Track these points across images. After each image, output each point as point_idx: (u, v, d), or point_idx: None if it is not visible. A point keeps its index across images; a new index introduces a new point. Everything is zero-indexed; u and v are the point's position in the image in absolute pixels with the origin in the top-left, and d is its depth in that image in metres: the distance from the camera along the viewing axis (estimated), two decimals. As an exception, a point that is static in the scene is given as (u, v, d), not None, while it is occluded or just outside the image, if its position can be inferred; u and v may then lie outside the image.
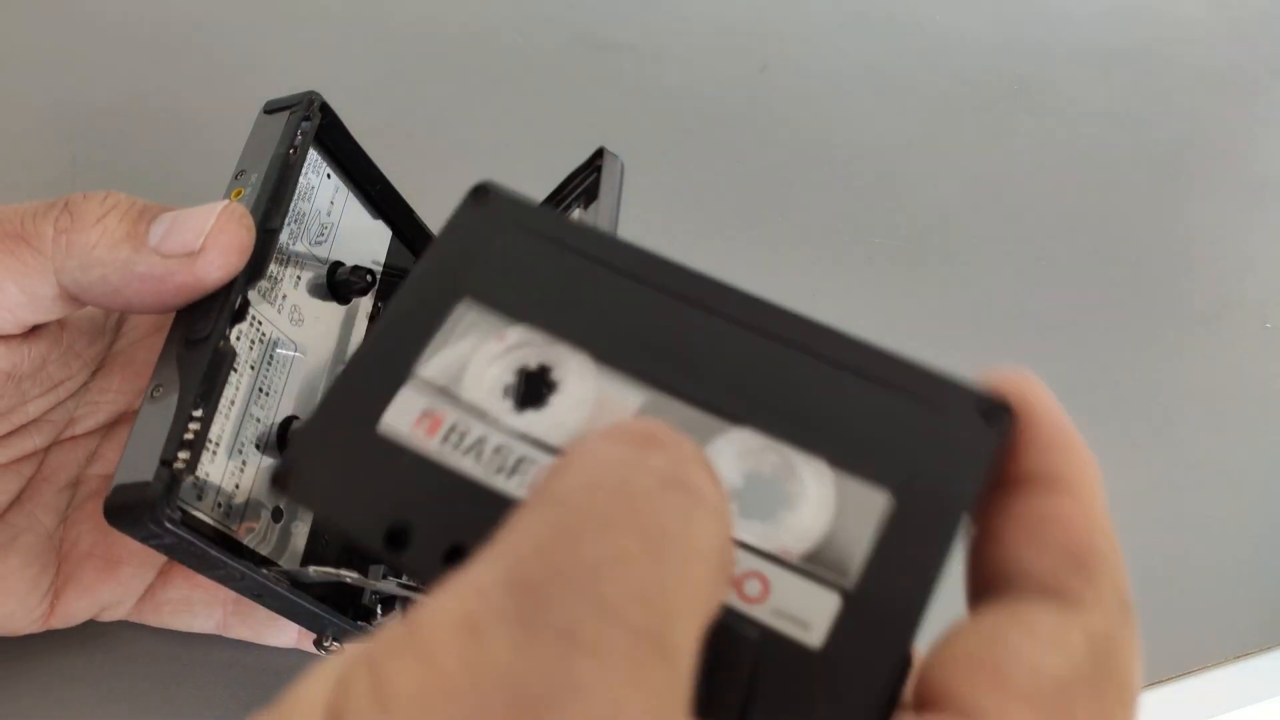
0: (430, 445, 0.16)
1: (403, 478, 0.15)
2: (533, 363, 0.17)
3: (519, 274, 0.18)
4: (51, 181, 0.40)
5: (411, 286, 0.18)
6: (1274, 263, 0.52)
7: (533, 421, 0.17)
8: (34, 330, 0.24)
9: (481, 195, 0.19)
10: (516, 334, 0.17)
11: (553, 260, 0.18)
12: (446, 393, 0.17)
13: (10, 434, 0.25)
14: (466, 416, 0.16)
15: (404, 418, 0.16)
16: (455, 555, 0.15)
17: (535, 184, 0.46)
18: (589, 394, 0.17)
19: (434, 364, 0.17)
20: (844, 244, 0.47)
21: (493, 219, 0.18)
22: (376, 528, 0.15)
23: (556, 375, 0.17)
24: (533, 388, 0.17)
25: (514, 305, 0.17)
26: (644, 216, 0.46)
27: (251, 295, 0.23)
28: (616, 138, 0.49)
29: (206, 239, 0.22)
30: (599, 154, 0.26)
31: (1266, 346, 0.48)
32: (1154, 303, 0.48)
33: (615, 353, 0.17)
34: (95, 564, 0.25)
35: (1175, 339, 0.47)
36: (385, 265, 0.30)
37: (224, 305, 0.22)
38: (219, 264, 0.22)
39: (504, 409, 0.17)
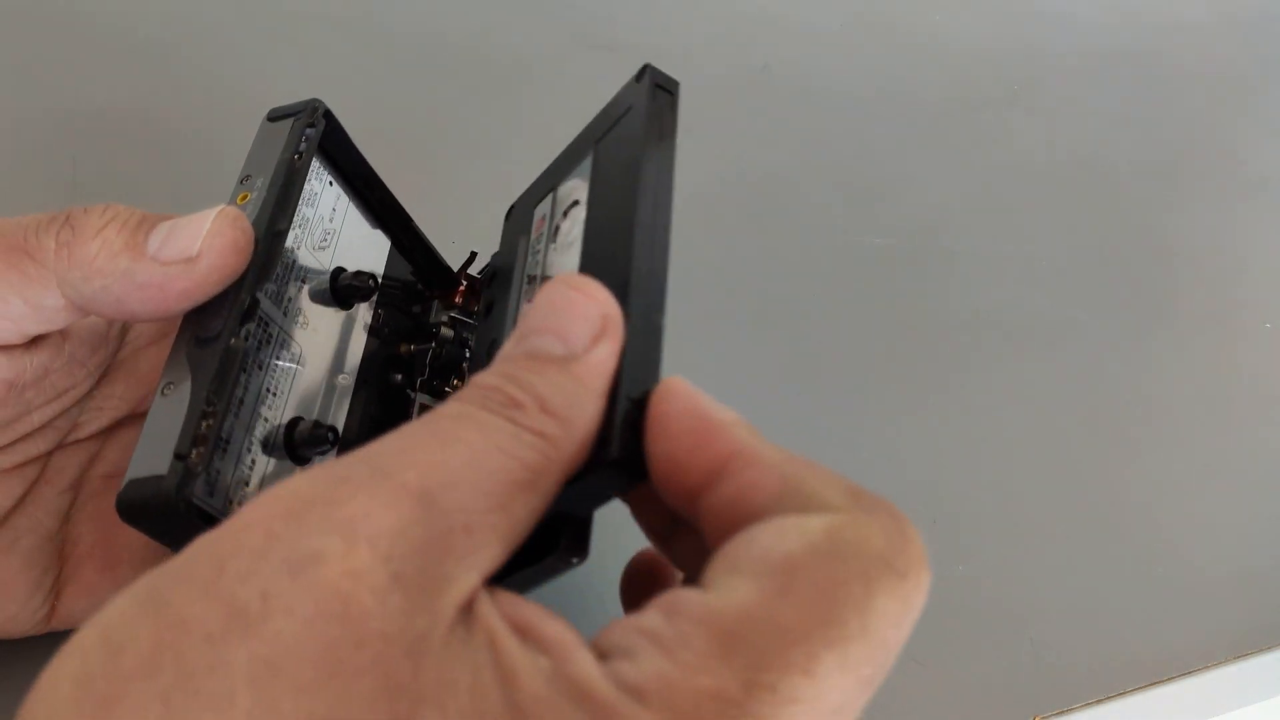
0: None
1: None
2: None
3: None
4: (52, 186, 0.40)
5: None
6: (1273, 263, 0.52)
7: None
8: (36, 340, 0.24)
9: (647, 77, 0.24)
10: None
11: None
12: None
13: (15, 441, 0.25)
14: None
15: None
16: None
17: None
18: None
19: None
20: (844, 244, 0.47)
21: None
22: None
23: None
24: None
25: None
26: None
27: (260, 296, 0.23)
28: (616, 138, 0.49)
29: (203, 244, 0.22)
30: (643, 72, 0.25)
31: (1266, 347, 0.48)
32: (1153, 303, 0.48)
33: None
34: (95, 564, 0.26)
35: (1175, 339, 0.47)
36: (384, 275, 0.30)
37: (234, 304, 0.22)
38: (218, 266, 0.22)
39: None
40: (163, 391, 0.21)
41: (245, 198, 0.24)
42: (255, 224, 0.23)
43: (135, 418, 0.27)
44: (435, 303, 0.32)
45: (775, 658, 0.14)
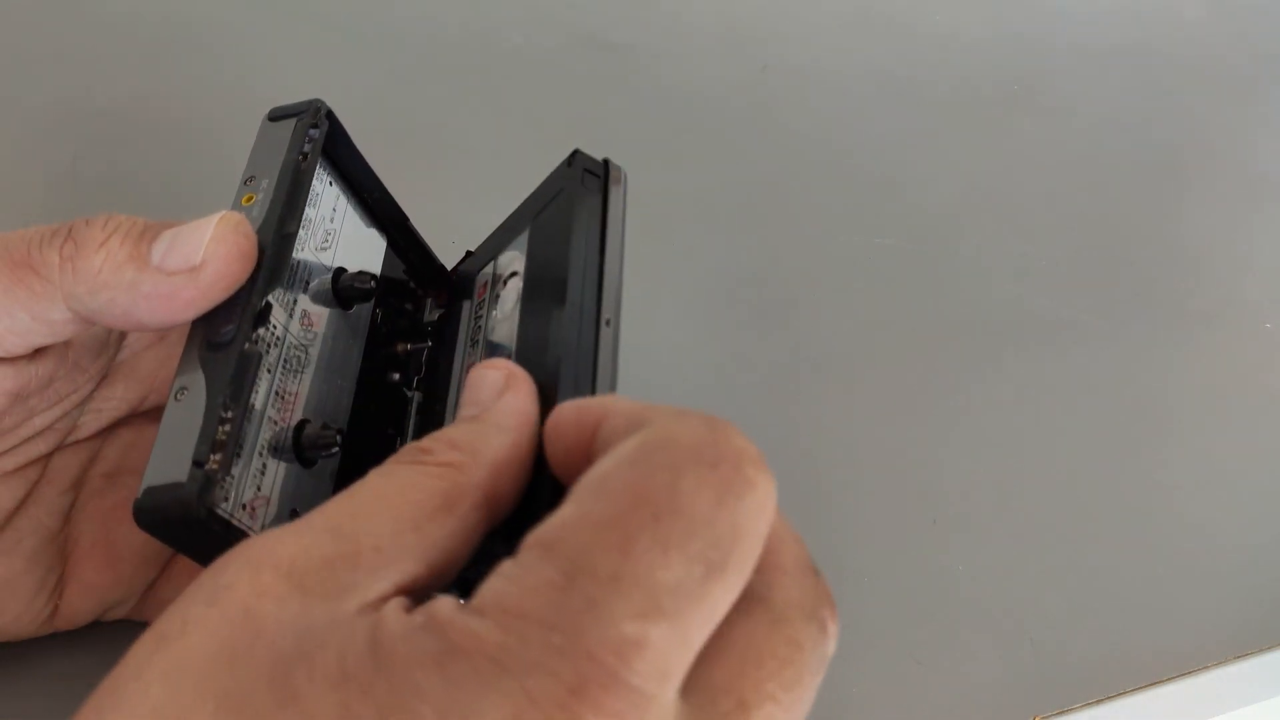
0: None
1: None
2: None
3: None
4: (53, 182, 0.40)
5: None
6: (1273, 263, 0.52)
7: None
8: (40, 350, 0.24)
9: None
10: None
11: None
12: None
13: (17, 445, 0.25)
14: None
15: None
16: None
17: (535, 183, 0.46)
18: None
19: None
20: (844, 244, 0.47)
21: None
22: None
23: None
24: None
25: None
26: (644, 216, 0.46)
27: (270, 299, 0.23)
28: (617, 138, 0.49)
29: (206, 251, 0.22)
30: (605, 164, 0.27)
31: (1266, 347, 0.48)
32: (1153, 303, 0.48)
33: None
34: (96, 562, 0.26)
35: (1174, 339, 0.47)
36: (381, 275, 0.30)
37: (247, 308, 0.22)
38: (222, 273, 0.22)
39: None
40: (176, 397, 0.21)
41: (251, 199, 0.24)
42: (263, 226, 0.23)
43: (135, 417, 0.27)
44: (429, 301, 0.32)
45: (591, 546, 0.15)
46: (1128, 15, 0.65)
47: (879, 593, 0.36)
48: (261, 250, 0.23)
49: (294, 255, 0.25)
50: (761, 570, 0.17)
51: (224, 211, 0.23)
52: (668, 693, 0.15)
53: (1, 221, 0.38)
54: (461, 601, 0.16)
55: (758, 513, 0.17)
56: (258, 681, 0.15)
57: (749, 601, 0.17)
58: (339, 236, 0.28)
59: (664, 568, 0.15)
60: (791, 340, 0.42)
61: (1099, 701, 0.34)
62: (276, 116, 0.26)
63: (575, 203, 0.25)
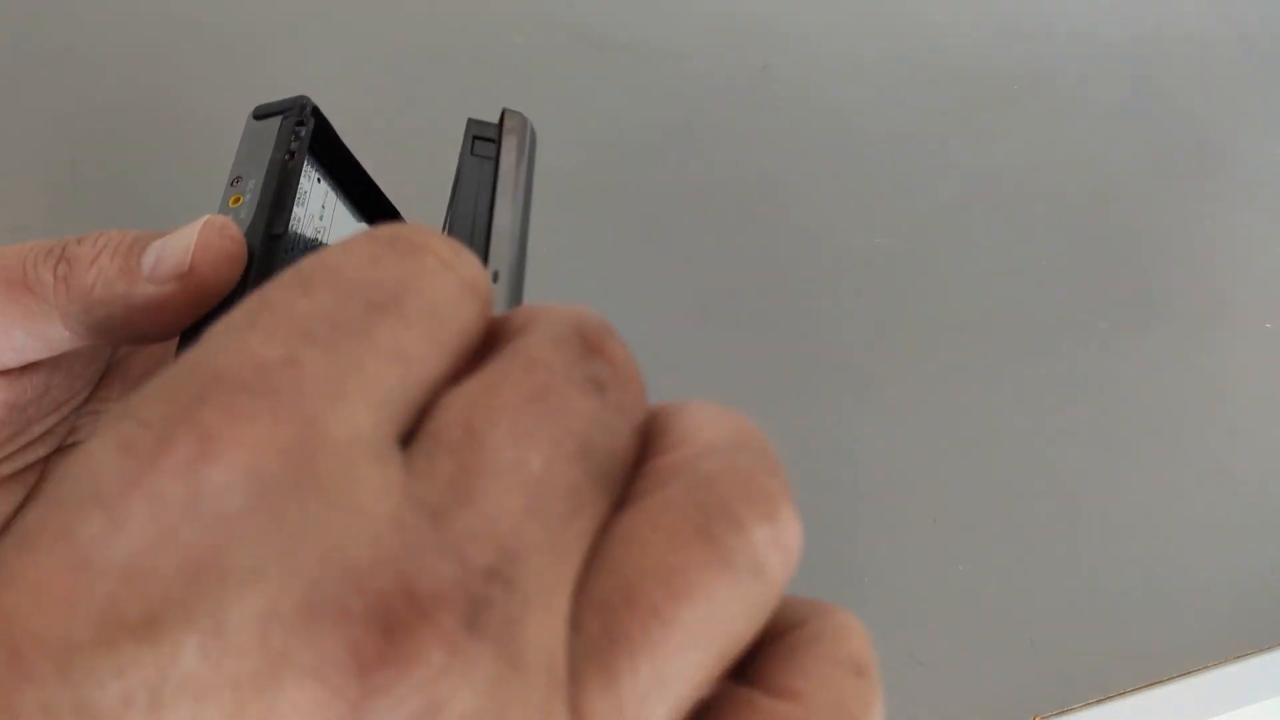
0: None
1: None
2: None
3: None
4: (52, 183, 0.40)
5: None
6: (1273, 263, 0.52)
7: None
8: (34, 363, 0.24)
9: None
10: None
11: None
12: None
13: (15, 451, 0.25)
14: None
15: None
16: None
17: (536, 183, 0.46)
18: None
19: None
20: (844, 244, 0.47)
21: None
22: None
23: None
24: None
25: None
26: (645, 216, 0.46)
27: None
28: (617, 138, 0.49)
29: (193, 257, 0.22)
30: (502, 117, 0.27)
31: (1266, 347, 0.48)
32: (1153, 303, 0.48)
33: None
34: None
35: (1175, 339, 0.47)
36: None
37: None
38: (210, 278, 0.22)
39: None
40: None
41: (238, 200, 0.24)
42: (251, 228, 0.23)
43: None
44: None
45: (228, 317, 0.14)
46: (1128, 16, 0.65)
47: (879, 593, 0.36)
48: (250, 252, 0.23)
49: (285, 254, 0.25)
50: (489, 346, 0.15)
51: (207, 216, 0.23)
52: (334, 421, 0.12)
53: (1, 222, 0.38)
54: None
55: (438, 273, 0.14)
56: None
57: (463, 368, 0.14)
58: (329, 233, 0.28)
59: (307, 301, 0.13)
60: (791, 340, 0.42)
61: (1099, 701, 0.34)
62: (261, 114, 0.26)
63: (461, 173, 0.25)
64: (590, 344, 0.14)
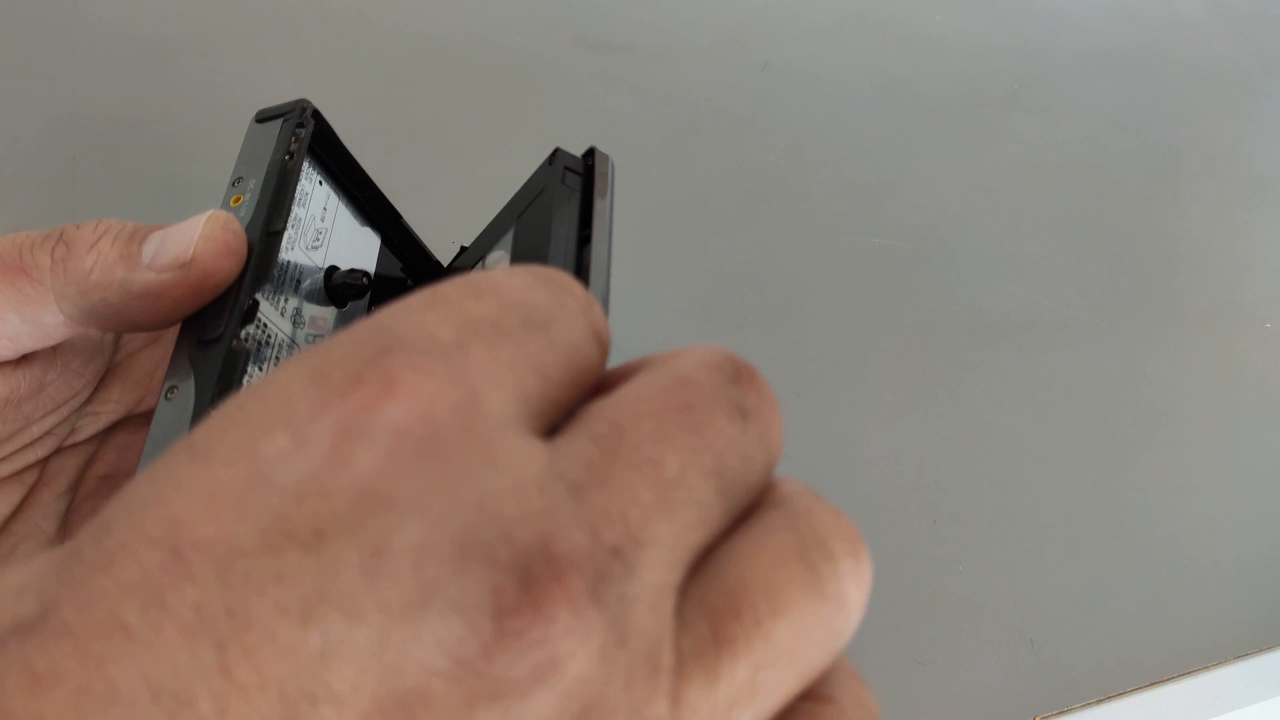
0: None
1: None
2: None
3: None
4: (53, 185, 0.40)
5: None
6: (1272, 263, 0.52)
7: None
8: (28, 356, 0.24)
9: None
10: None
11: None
12: None
13: (15, 451, 0.25)
14: None
15: None
16: None
17: (535, 184, 0.46)
18: None
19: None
20: (844, 244, 0.47)
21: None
22: None
23: None
24: None
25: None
26: (644, 216, 0.46)
27: (259, 297, 0.23)
28: (617, 138, 0.49)
29: (195, 248, 0.22)
30: (590, 153, 0.27)
31: (1265, 347, 0.48)
32: (1153, 303, 0.48)
33: None
34: None
35: (1174, 339, 0.47)
36: (375, 272, 0.30)
37: (235, 306, 0.22)
38: (211, 269, 0.22)
39: None
40: (166, 396, 0.21)
41: (239, 200, 0.24)
42: (249, 226, 0.23)
43: (132, 419, 0.27)
44: None
45: (401, 306, 0.15)
46: (1127, 16, 0.65)
47: (879, 593, 0.36)
48: (250, 248, 0.23)
49: (284, 255, 0.25)
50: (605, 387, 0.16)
51: (212, 210, 0.23)
52: (493, 401, 0.13)
53: (1, 222, 0.38)
54: None
55: (581, 311, 0.15)
56: None
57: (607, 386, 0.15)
58: (330, 235, 0.28)
59: (477, 304, 0.14)
60: (790, 340, 0.42)
61: (1099, 701, 0.34)
62: (263, 118, 0.26)
63: (555, 201, 0.25)
64: (741, 373, 0.15)
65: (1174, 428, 0.43)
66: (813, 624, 0.13)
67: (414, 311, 0.14)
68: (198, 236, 0.22)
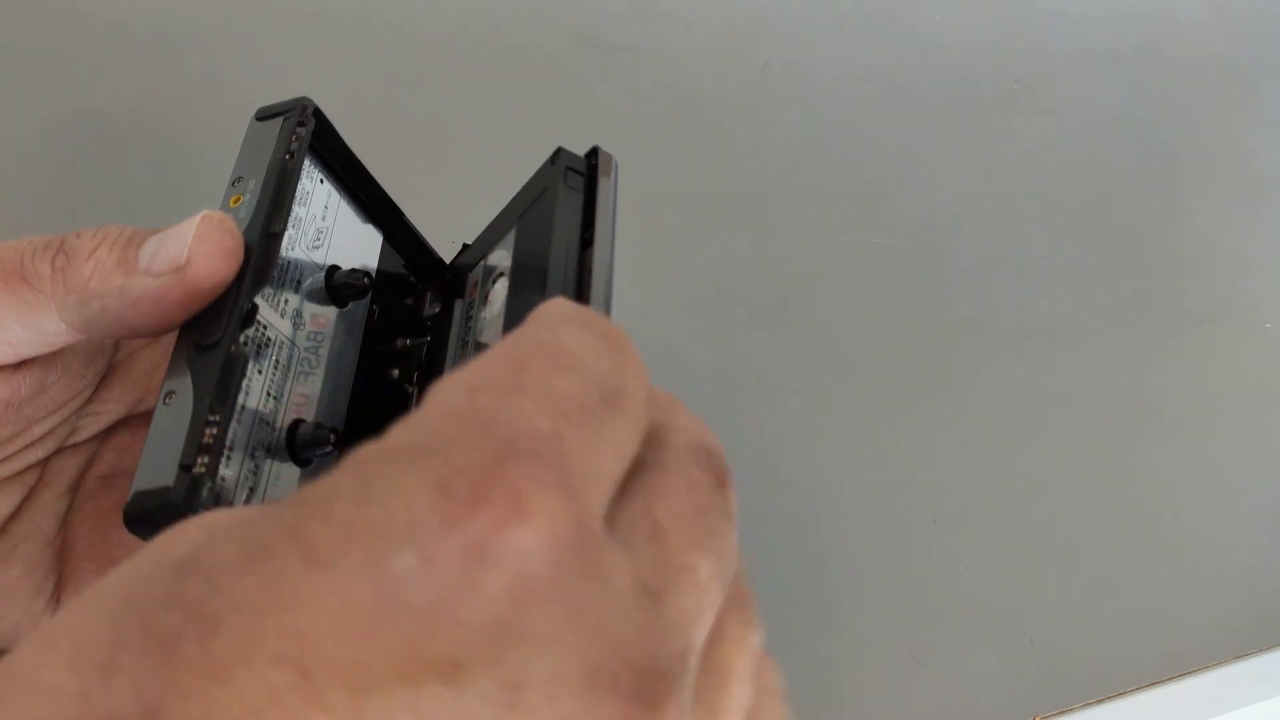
0: None
1: None
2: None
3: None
4: (51, 185, 0.40)
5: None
6: (1272, 263, 0.52)
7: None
8: (28, 360, 0.24)
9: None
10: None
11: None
12: None
13: (16, 451, 0.25)
14: None
15: None
16: None
17: (535, 184, 0.46)
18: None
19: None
20: (843, 244, 0.47)
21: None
22: None
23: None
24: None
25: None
26: (644, 216, 0.46)
27: (258, 300, 0.23)
28: (616, 138, 0.49)
29: (190, 250, 0.22)
30: (593, 153, 0.27)
31: (1265, 347, 0.48)
32: (1153, 303, 0.48)
33: None
34: (94, 565, 0.26)
35: (1174, 340, 0.47)
36: (377, 270, 0.30)
37: (233, 310, 0.22)
38: (207, 272, 0.22)
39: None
40: (164, 401, 0.21)
41: (238, 200, 0.24)
42: (249, 227, 0.23)
43: (133, 419, 0.27)
44: (428, 295, 0.32)
45: (488, 371, 0.15)
46: (1127, 16, 0.65)
47: (879, 593, 0.36)
48: (248, 250, 0.23)
49: (284, 255, 0.25)
50: (649, 444, 0.17)
51: (205, 210, 0.23)
52: (593, 501, 0.14)
53: (2, 222, 0.38)
54: None
55: (638, 373, 0.16)
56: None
57: (640, 465, 0.16)
58: (331, 234, 0.28)
59: (561, 380, 0.15)
60: (790, 340, 0.42)
61: (1099, 701, 0.34)
62: (264, 116, 0.26)
63: (557, 202, 0.25)
64: (720, 476, 0.17)
65: (1174, 428, 0.43)
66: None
67: (509, 396, 0.14)
68: (192, 238, 0.22)
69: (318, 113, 0.26)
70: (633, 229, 0.45)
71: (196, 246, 0.22)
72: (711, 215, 0.46)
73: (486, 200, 0.46)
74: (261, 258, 0.23)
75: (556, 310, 0.16)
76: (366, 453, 0.13)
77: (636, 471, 0.16)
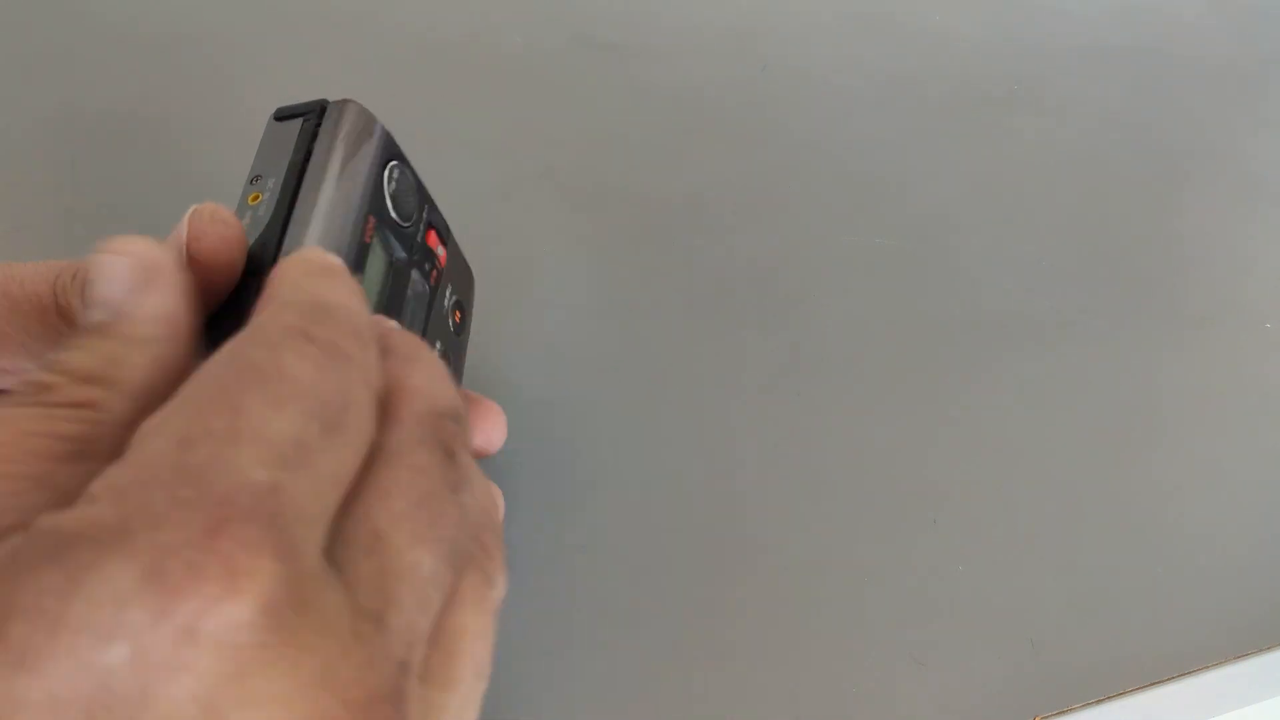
0: None
1: None
2: None
3: None
4: (52, 183, 0.40)
5: None
6: (1273, 263, 0.52)
7: None
8: None
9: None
10: None
11: None
12: None
13: None
14: None
15: None
16: None
17: (536, 183, 0.46)
18: None
19: None
20: (843, 244, 0.47)
21: None
22: None
23: None
24: None
25: None
26: (644, 215, 0.46)
27: None
28: (617, 137, 0.49)
29: (187, 249, 0.21)
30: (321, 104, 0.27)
31: (1265, 347, 0.48)
32: (1152, 303, 0.48)
33: None
34: None
35: (1174, 340, 0.47)
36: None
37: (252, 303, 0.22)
38: (211, 264, 0.22)
39: None
40: None
41: (257, 198, 0.24)
42: (269, 224, 0.23)
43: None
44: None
45: (201, 413, 0.15)
46: (1126, 15, 0.65)
47: (879, 593, 0.36)
48: (265, 245, 0.23)
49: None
50: (380, 422, 0.17)
51: (194, 206, 0.22)
52: (310, 544, 0.14)
53: (1, 222, 0.38)
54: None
55: (361, 383, 0.16)
56: None
57: (371, 453, 0.16)
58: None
59: (280, 421, 0.14)
60: (791, 340, 0.42)
61: (1099, 701, 0.34)
62: (282, 116, 0.27)
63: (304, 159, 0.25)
64: (450, 444, 0.17)
65: (1174, 427, 0.43)
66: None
67: (224, 448, 0.14)
68: (184, 238, 0.21)
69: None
70: (632, 229, 0.45)
71: (194, 245, 0.21)
72: (711, 215, 0.46)
73: (487, 200, 0.46)
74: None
75: (280, 328, 0.16)
76: (71, 531, 0.13)
77: (366, 464, 0.16)
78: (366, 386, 0.16)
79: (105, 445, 0.16)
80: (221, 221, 0.22)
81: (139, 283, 0.18)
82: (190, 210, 0.22)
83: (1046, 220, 0.51)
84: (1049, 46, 0.61)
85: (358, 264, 0.24)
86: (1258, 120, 0.61)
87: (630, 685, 0.32)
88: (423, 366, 0.18)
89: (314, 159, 0.25)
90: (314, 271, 0.19)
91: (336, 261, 0.19)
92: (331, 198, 0.24)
